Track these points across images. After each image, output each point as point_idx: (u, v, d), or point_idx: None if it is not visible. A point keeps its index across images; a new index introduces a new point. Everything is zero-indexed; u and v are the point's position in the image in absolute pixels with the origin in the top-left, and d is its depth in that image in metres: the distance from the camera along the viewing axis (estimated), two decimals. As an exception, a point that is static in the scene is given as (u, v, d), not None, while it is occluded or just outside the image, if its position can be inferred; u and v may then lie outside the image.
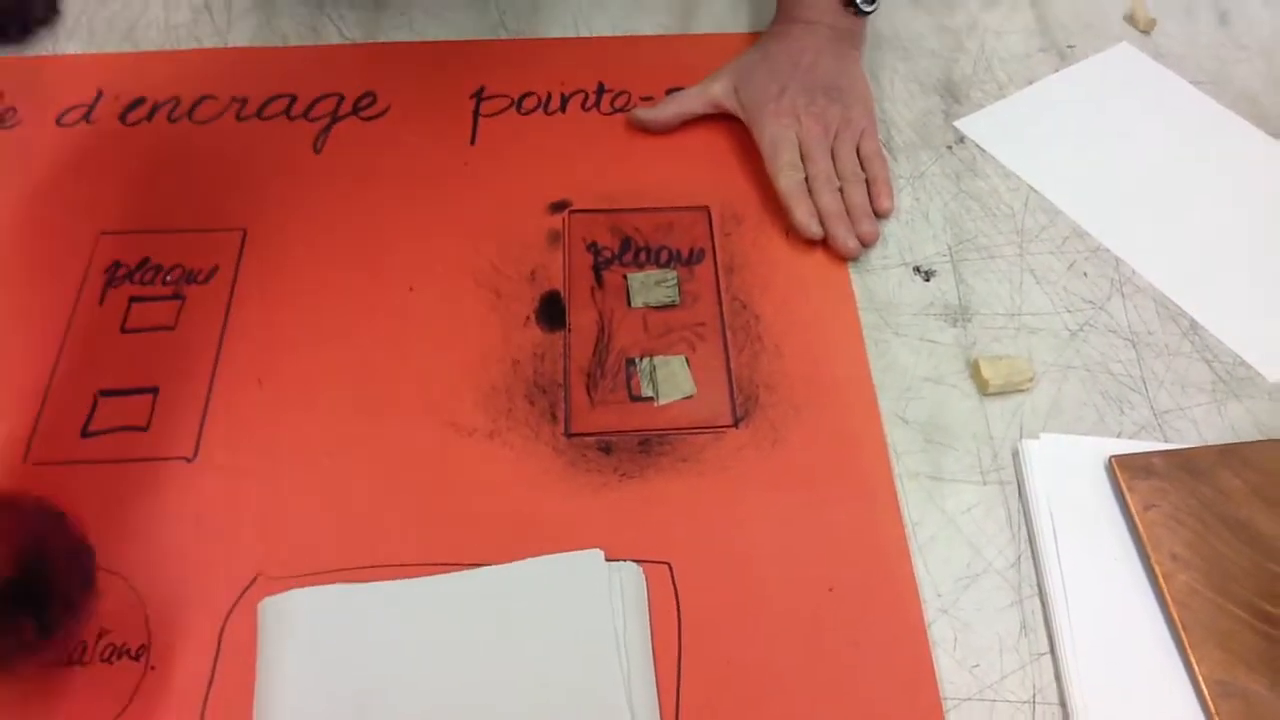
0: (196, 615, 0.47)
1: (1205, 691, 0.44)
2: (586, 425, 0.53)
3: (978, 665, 0.46)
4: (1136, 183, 0.63)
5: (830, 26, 0.65)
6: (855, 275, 0.59)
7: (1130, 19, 0.73)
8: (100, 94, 0.68)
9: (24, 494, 0.46)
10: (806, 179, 0.60)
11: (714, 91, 0.64)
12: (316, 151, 0.64)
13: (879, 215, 0.60)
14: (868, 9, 0.64)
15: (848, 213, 0.59)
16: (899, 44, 0.72)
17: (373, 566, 0.48)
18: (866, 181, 0.61)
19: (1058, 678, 0.45)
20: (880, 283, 0.59)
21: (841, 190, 0.60)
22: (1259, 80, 0.69)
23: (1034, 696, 0.45)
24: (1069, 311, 0.58)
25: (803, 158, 0.60)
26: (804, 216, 0.59)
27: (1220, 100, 0.68)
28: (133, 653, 0.46)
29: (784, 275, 0.59)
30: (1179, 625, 0.46)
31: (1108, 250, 0.60)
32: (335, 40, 0.71)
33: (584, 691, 0.44)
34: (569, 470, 0.51)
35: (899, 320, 0.57)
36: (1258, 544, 0.48)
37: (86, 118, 0.66)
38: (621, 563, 0.48)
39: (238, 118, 0.66)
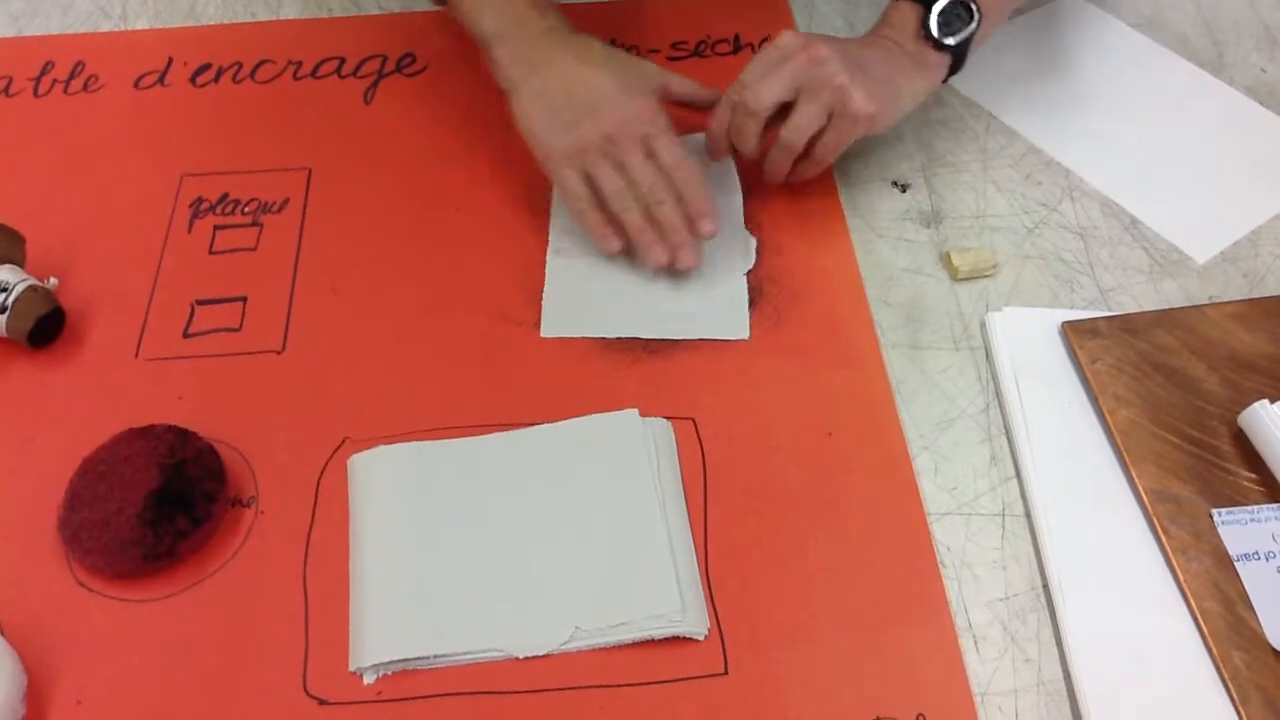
0: (296, 471, 0.55)
1: (1145, 498, 0.53)
2: (618, 313, 0.62)
3: (955, 488, 0.55)
4: (1083, 107, 0.73)
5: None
6: (842, 189, 0.68)
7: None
8: (171, 61, 0.77)
9: (154, 424, 0.55)
10: None
11: None
12: (367, 102, 0.73)
13: None
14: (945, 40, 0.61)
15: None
16: (876, 6, 0.81)
17: (441, 429, 0.57)
18: None
19: (1023, 495, 0.54)
20: (864, 195, 0.68)
21: None
22: (1188, 22, 0.79)
23: (1003, 510, 0.54)
24: (1026, 213, 0.67)
25: None
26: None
27: (1155, 39, 0.77)
28: (244, 501, 0.54)
29: (779, 194, 0.68)
30: (1122, 449, 0.55)
31: (1059, 163, 0.69)
32: (374, 11, 0.80)
33: (626, 522, 0.53)
34: (605, 350, 0.60)
35: (880, 224, 0.66)
36: (1185, 385, 0.57)
37: (161, 81, 0.75)
38: (653, 418, 0.57)
39: (294, 77, 0.75)
